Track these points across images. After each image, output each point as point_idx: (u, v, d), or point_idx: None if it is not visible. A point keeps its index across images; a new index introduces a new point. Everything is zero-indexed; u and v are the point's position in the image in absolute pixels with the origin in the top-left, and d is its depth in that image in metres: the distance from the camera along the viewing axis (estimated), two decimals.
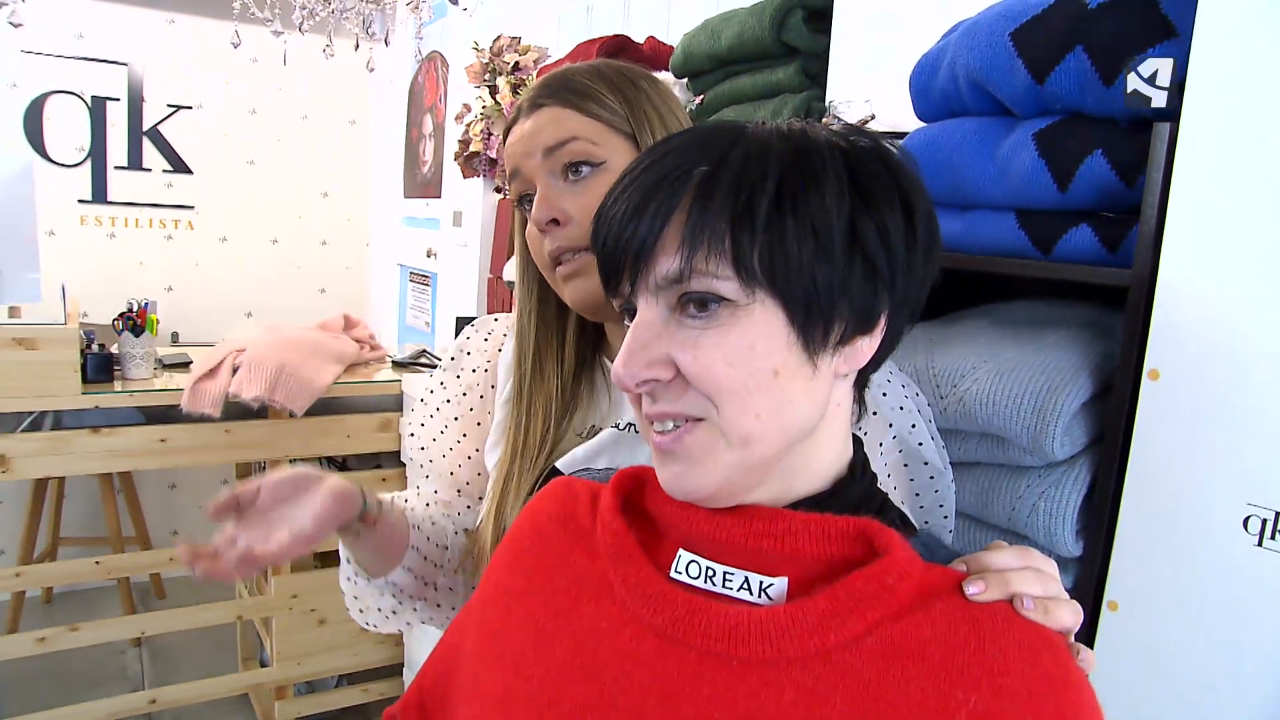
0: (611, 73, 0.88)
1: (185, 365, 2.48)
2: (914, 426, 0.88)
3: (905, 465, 0.88)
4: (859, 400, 0.63)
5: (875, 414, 0.86)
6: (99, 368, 2.21)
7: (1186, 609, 0.86)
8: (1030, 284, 1.21)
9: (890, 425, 0.87)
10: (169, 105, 3.62)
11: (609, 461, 0.88)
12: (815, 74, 1.62)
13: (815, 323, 0.54)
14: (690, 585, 0.58)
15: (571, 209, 0.83)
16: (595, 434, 0.91)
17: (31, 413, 2.13)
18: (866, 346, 0.57)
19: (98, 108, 3.49)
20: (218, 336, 2.80)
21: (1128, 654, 0.90)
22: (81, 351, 2.17)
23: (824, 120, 1.53)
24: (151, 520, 3.45)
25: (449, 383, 1.03)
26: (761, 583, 0.56)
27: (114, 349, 2.30)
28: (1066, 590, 0.94)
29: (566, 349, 0.93)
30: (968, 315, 1.14)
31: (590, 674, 0.58)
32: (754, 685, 0.54)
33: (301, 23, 2.37)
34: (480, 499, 0.98)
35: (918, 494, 0.89)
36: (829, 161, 0.55)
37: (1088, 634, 0.93)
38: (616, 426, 0.90)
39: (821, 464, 0.60)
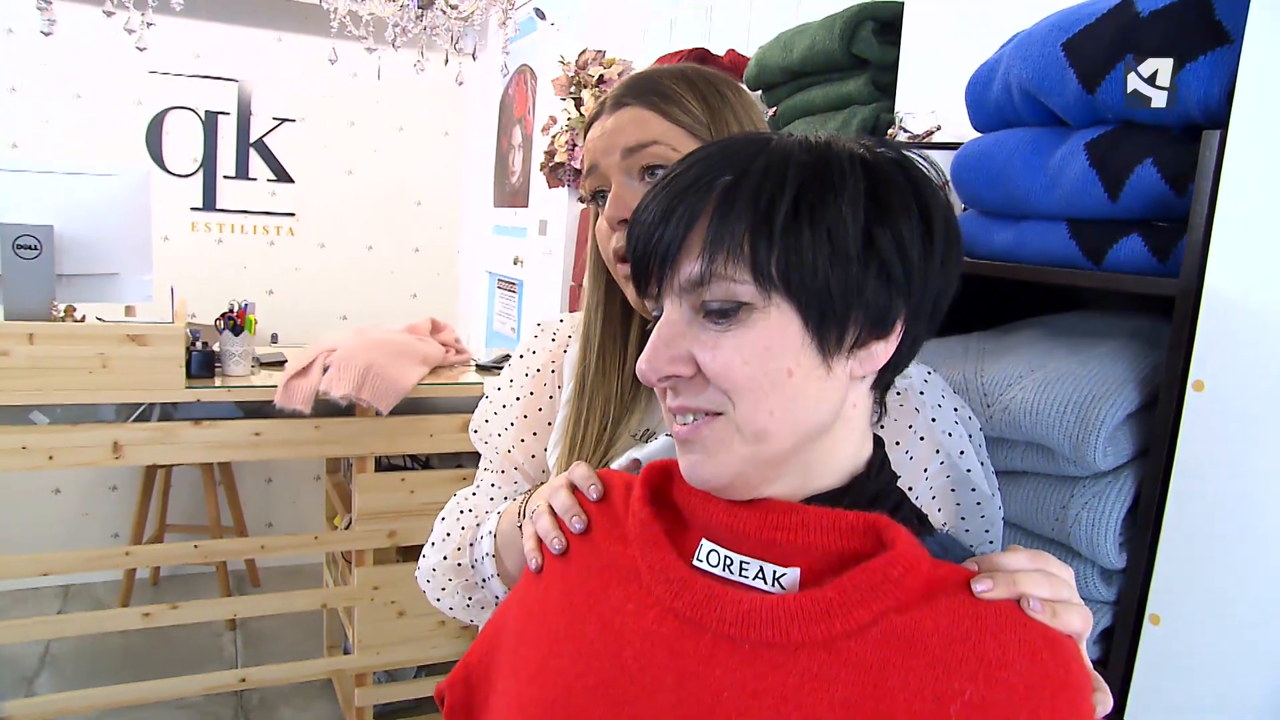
0: (698, 78, 0.89)
1: (280, 364, 2.62)
2: (963, 453, 0.87)
3: (952, 490, 0.87)
4: (879, 401, 0.65)
5: (923, 439, 0.86)
6: (202, 364, 2.35)
7: (1230, 623, 0.84)
8: (1088, 294, 1.20)
9: (938, 450, 0.86)
10: (274, 118, 3.83)
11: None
12: (885, 85, 1.62)
13: (829, 326, 0.57)
14: (710, 573, 0.61)
15: None
16: (650, 438, 0.92)
17: (140, 404, 2.29)
18: (882, 351, 0.60)
19: (210, 122, 3.72)
20: (314, 337, 2.95)
21: (1171, 669, 0.89)
22: (187, 349, 2.32)
23: (889, 132, 1.54)
24: (248, 511, 3.65)
25: (517, 379, 1.03)
26: (775, 572, 0.59)
27: (216, 347, 2.45)
28: (1108, 603, 0.94)
29: (629, 349, 0.94)
30: (1021, 325, 1.13)
31: (615, 652, 0.61)
32: (763, 668, 0.57)
33: (394, 39, 2.49)
34: None
35: (963, 518, 0.88)
36: (848, 172, 0.57)
37: (1130, 648, 0.92)
38: (669, 434, 0.91)
39: (837, 461, 0.62)
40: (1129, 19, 0.92)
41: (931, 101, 1.51)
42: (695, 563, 0.62)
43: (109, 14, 2.25)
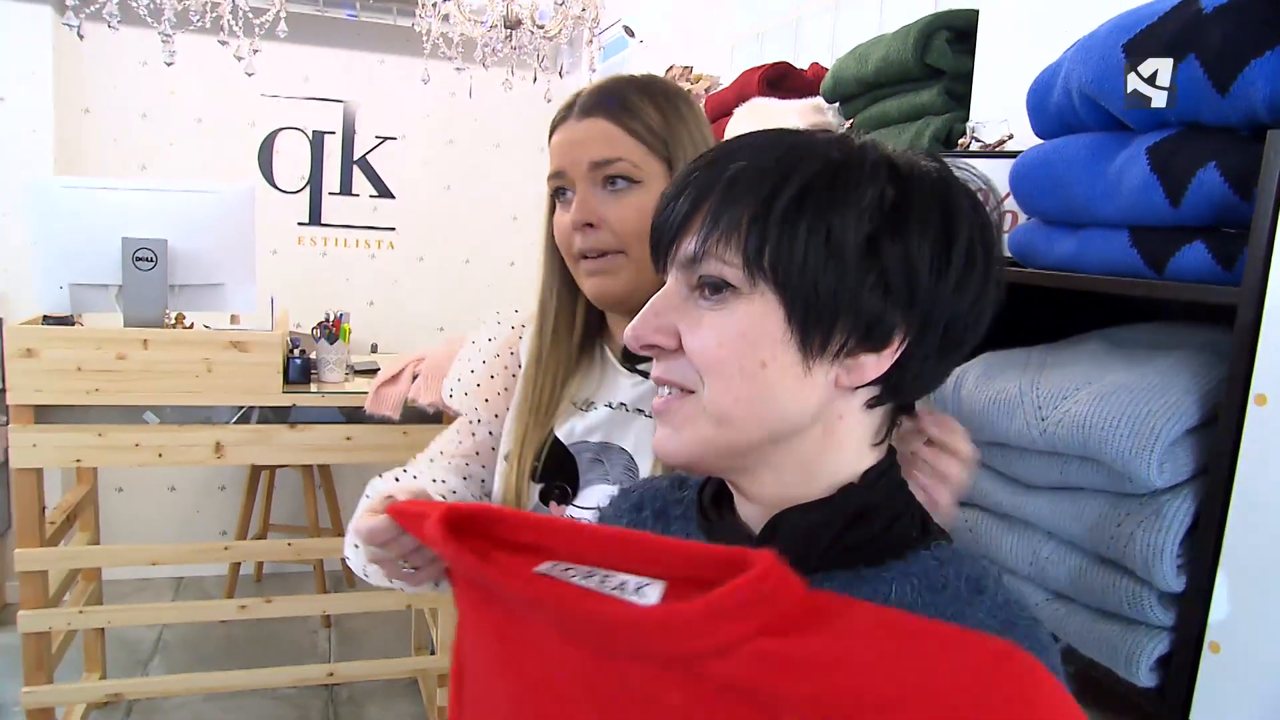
0: (659, 92, 0.97)
1: (374, 371, 2.73)
2: None
3: None
4: (892, 422, 0.63)
5: None
6: (299, 371, 2.47)
7: None
8: (1158, 305, 1.14)
9: None
10: (376, 137, 4.00)
11: (603, 436, 0.97)
12: (960, 95, 1.59)
13: (813, 326, 0.56)
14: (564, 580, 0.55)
15: (607, 216, 0.93)
16: (590, 407, 1.01)
17: (241, 407, 2.42)
18: (872, 364, 0.57)
19: (317, 141, 3.92)
20: (412, 348, 3.06)
21: (1231, 699, 0.84)
22: (285, 356, 2.44)
23: (961, 142, 1.51)
24: (346, 513, 3.79)
25: (484, 346, 1.13)
26: (638, 584, 0.53)
27: (313, 355, 2.57)
28: (1166, 629, 0.90)
29: (577, 319, 1.04)
30: (1084, 338, 1.09)
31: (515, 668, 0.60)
32: (620, 679, 0.52)
33: (484, 59, 2.57)
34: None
35: None
36: (870, 177, 0.57)
37: (1189, 676, 0.87)
38: (610, 405, 1.00)
39: (820, 472, 0.60)
40: (1191, 16, 0.89)
41: (1005, 110, 1.47)
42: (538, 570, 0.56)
43: (223, 43, 2.41)
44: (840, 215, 0.55)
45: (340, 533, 3.69)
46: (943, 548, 0.59)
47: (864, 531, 0.59)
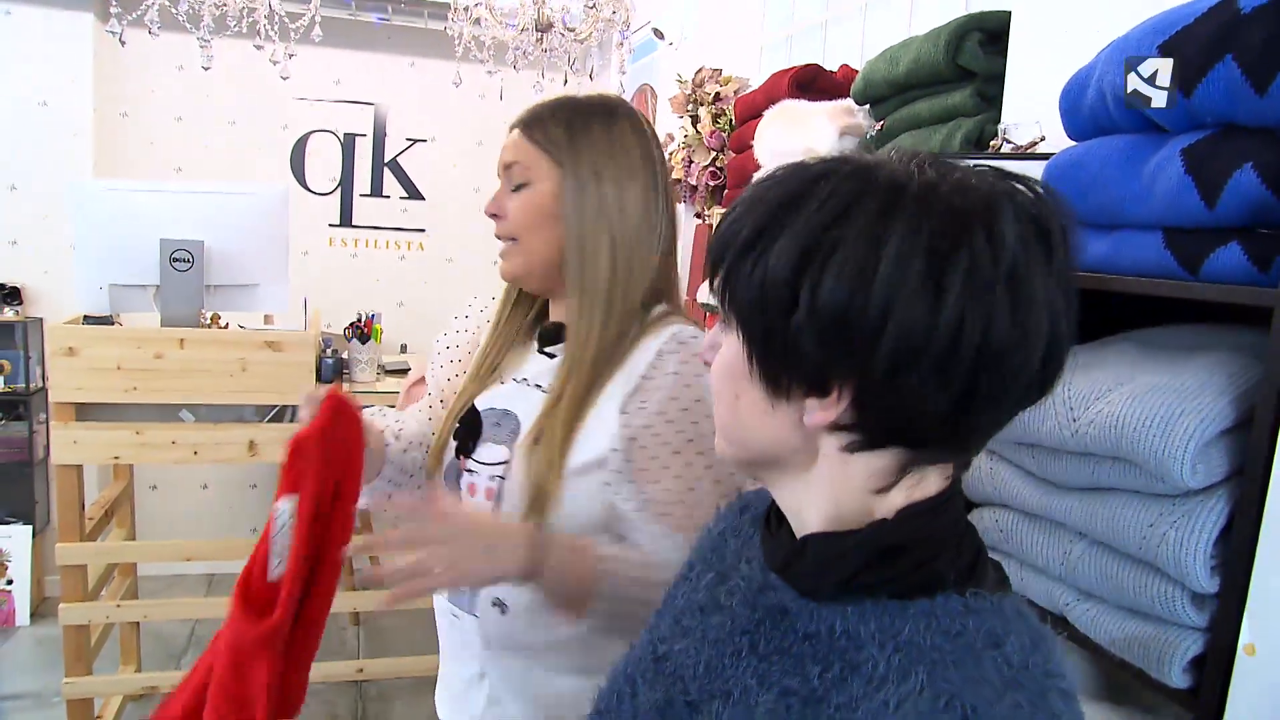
0: (573, 109, 1.12)
1: (404, 371, 2.76)
2: None
3: None
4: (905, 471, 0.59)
5: None
6: (331, 370, 2.51)
7: None
8: (1188, 308, 1.14)
9: None
10: (407, 139, 4.04)
11: (505, 404, 1.13)
12: (991, 97, 1.59)
13: (764, 366, 0.58)
14: None
15: (508, 209, 1.12)
16: (504, 382, 1.17)
17: (274, 406, 2.46)
18: (818, 409, 0.56)
19: (348, 143, 3.97)
20: None
21: (1267, 702, 0.84)
22: (318, 355, 2.47)
23: (993, 144, 1.51)
24: (375, 513, 3.84)
25: (458, 329, 1.31)
26: None
27: (345, 354, 2.60)
28: (1199, 630, 0.90)
29: (533, 304, 1.21)
30: (1116, 339, 1.09)
31: None
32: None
33: (515, 61, 2.60)
34: None
35: None
36: (818, 207, 0.54)
37: (1222, 678, 0.87)
38: (514, 380, 1.16)
39: (841, 504, 0.60)
40: (1229, 17, 0.88)
41: (1037, 112, 1.47)
42: None
43: (259, 47, 2.45)
44: (776, 254, 0.54)
45: (369, 530, 3.73)
46: (981, 597, 0.57)
47: (889, 568, 0.58)
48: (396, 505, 1.19)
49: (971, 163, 0.57)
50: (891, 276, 0.51)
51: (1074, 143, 1.15)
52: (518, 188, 1.11)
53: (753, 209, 0.57)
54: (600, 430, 1.04)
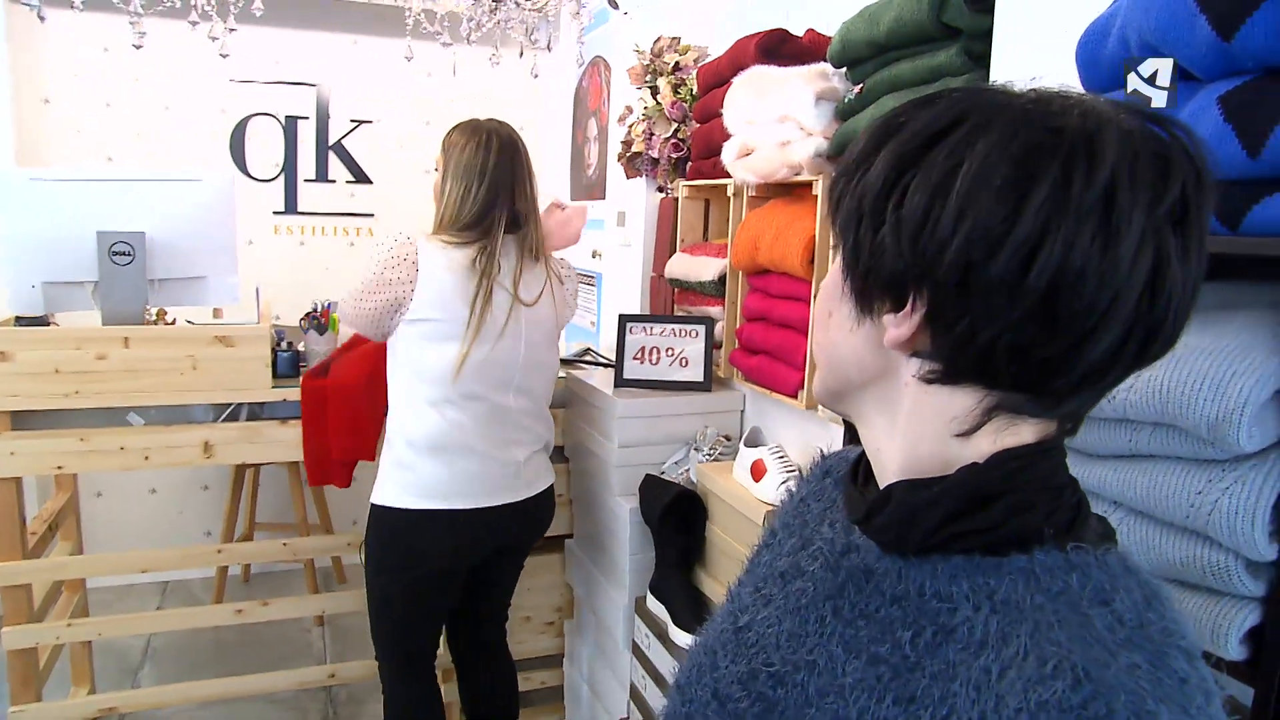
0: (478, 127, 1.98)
1: None
2: None
3: None
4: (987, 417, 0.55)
5: None
6: (287, 364, 2.38)
7: None
8: (1226, 263, 1.10)
9: None
10: (351, 120, 3.88)
11: None
12: (979, 55, 1.54)
13: (853, 279, 0.57)
14: None
15: None
16: None
17: (229, 404, 2.33)
18: (894, 327, 0.55)
19: (290, 126, 3.79)
20: None
21: None
22: (272, 349, 2.35)
23: None
24: (334, 509, 3.71)
25: None
26: None
27: (301, 347, 2.48)
28: (1257, 599, 0.85)
29: None
30: None
31: None
32: None
33: (469, 34, 2.48)
34: None
35: None
36: (923, 126, 0.53)
37: (1278, 648, 0.83)
38: None
39: (902, 446, 0.58)
40: None
41: (1029, 69, 1.42)
42: None
43: (194, 24, 2.30)
44: (875, 169, 0.55)
45: (329, 530, 3.60)
46: (1084, 553, 0.52)
47: (981, 517, 0.54)
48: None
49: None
50: (973, 181, 0.50)
51: (1078, 90, 1.10)
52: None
53: (866, 133, 0.57)
54: None
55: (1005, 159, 0.49)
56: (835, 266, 0.61)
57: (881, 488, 0.60)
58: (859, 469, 0.66)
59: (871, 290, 0.56)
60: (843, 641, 0.58)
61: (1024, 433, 0.55)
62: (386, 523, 1.95)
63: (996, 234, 0.49)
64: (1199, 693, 0.48)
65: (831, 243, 0.63)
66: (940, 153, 0.52)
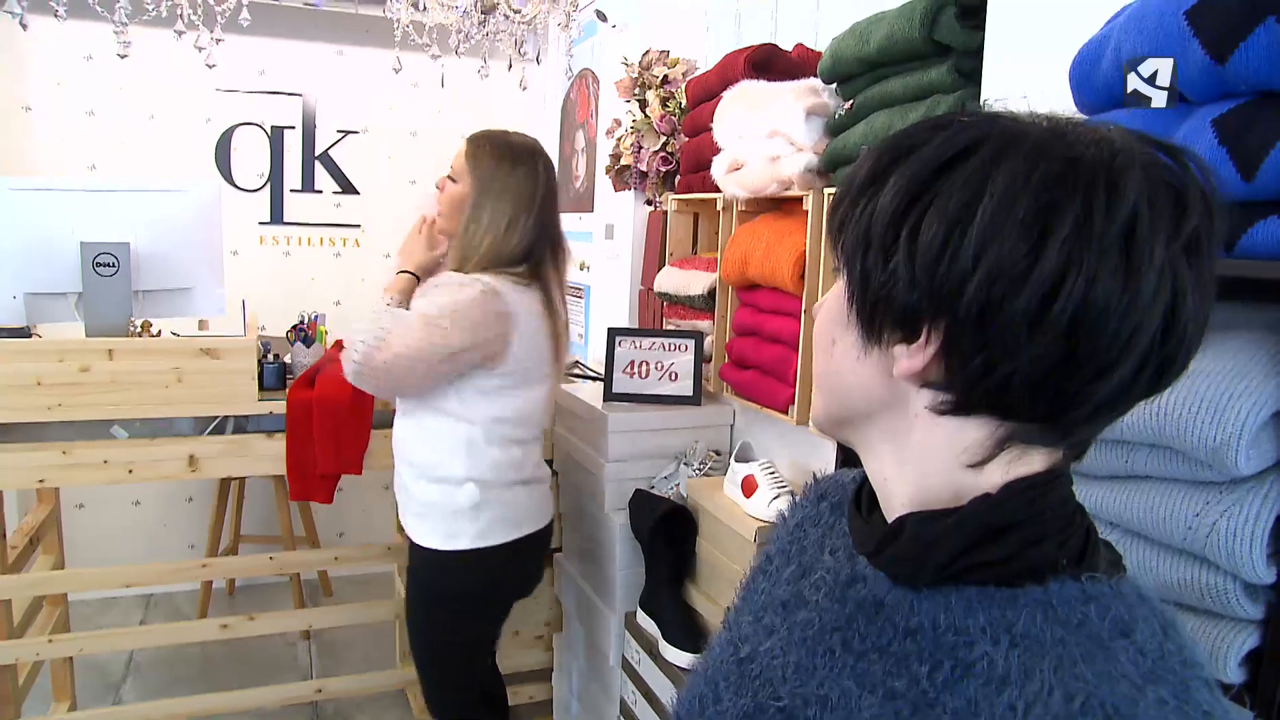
0: (496, 140, 1.86)
1: None
2: None
3: None
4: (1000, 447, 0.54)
5: None
6: (274, 376, 2.36)
7: None
8: (1223, 285, 1.10)
9: None
10: (338, 131, 3.86)
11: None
12: (969, 72, 1.55)
13: (861, 308, 0.56)
14: None
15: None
16: None
17: (215, 417, 2.30)
18: (907, 359, 0.54)
19: (276, 136, 3.77)
20: None
21: None
22: (259, 361, 2.33)
23: None
24: (320, 522, 3.68)
25: None
26: None
27: (287, 359, 2.46)
28: (1255, 622, 0.85)
29: None
30: None
31: None
32: None
33: (458, 46, 2.48)
34: None
35: None
36: (931, 154, 0.52)
37: (1277, 671, 0.84)
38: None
39: (910, 477, 0.58)
40: None
41: (1020, 87, 1.43)
42: None
43: (180, 33, 2.28)
44: (884, 193, 0.53)
45: (316, 543, 3.57)
46: (1099, 583, 0.52)
47: (995, 549, 0.53)
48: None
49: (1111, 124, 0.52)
50: (994, 215, 0.49)
51: (1080, 114, 1.10)
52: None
53: (873, 154, 0.56)
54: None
55: (1026, 191, 0.48)
56: (836, 291, 0.60)
57: (888, 517, 0.59)
58: (861, 496, 0.65)
59: (881, 320, 0.54)
60: (855, 676, 0.57)
61: (1034, 461, 0.55)
62: (481, 565, 1.83)
63: (1020, 269, 0.48)
64: None
65: (833, 266, 0.62)
66: (956, 180, 0.50)
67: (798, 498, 0.79)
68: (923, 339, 0.52)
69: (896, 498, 0.59)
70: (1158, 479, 0.93)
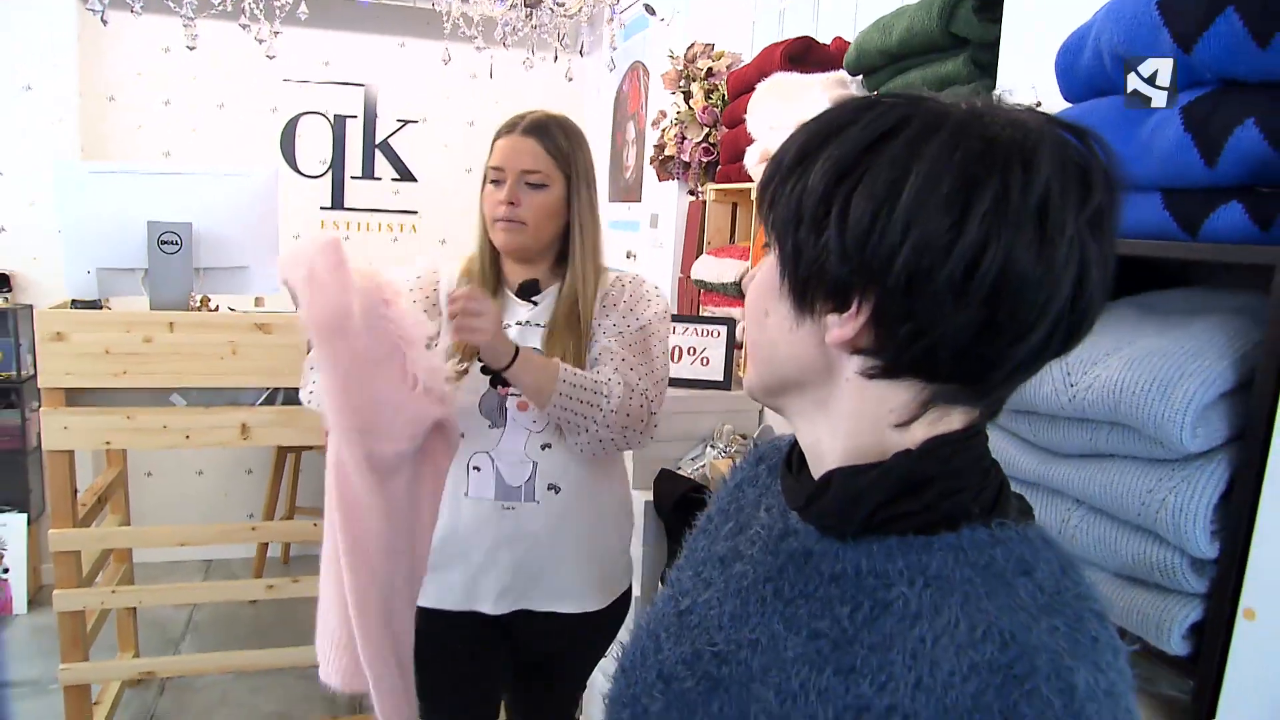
0: (568, 125, 1.57)
1: None
2: None
3: None
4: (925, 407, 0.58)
5: None
6: None
7: None
8: (1187, 272, 1.12)
9: None
10: (398, 120, 4.00)
11: (520, 341, 1.48)
12: (986, 64, 1.57)
13: (792, 281, 0.58)
14: None
15: (525, 201, 1.50)
16: (507, 327, 1.54)
17: (266, 389, 2.44)
18: (838, 327, 0.57)
19: (339, 125, 3.92)
20: None
21: (1266, 666, 0.83)
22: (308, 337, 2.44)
23: None
24: None
25: (410, 281, 1.66)
26: None
27: None
28: (1199, 595, 0.88)
29: (492, 264, 1.61)
30: (1114, 304, 1.07)
31: None
32: None
33: (504, 38, 2.56)
34: None
35: None
36: (857, 132, 0.55)
37: (1222, 644, 0.86)
38: (517, 323, 1.57)
39: (861, 436, 0.60)
40: None
41: (1032, 78, 1.45)
42: None
43: (244, 26, 2.41)
44: (814, 171, 0.56)
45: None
46: (1007, 528, 0.57)
47: (914, 500, 0.58)
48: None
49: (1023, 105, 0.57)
50: (919, 192, 0.52)
51: (1067, 102, 1.13)
52: (533, 186, 1.51)
53: (802, 134, 0.58)
54: (593, 339, 1.55)
55: (949, 169, 0.52)
56: (767, 265, 0.63)
57: (817, 476, 0.63)
58: (792, 457, 0.69)
59: (813, 292, 0.57)
60: (783, 619, 0.60)
61: (954, 420, 0.59)
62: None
63: (943, 242, 0.51)
64: (1109, 650, 0.53)
65: (763, 241, 0.66)
66: (883, 159, 0.53)
67: (738, 461, 0.83)
68: (853, 309, 0.55)
69: (828, 457, 0.62)
70: (1119, 457, 0.96)
